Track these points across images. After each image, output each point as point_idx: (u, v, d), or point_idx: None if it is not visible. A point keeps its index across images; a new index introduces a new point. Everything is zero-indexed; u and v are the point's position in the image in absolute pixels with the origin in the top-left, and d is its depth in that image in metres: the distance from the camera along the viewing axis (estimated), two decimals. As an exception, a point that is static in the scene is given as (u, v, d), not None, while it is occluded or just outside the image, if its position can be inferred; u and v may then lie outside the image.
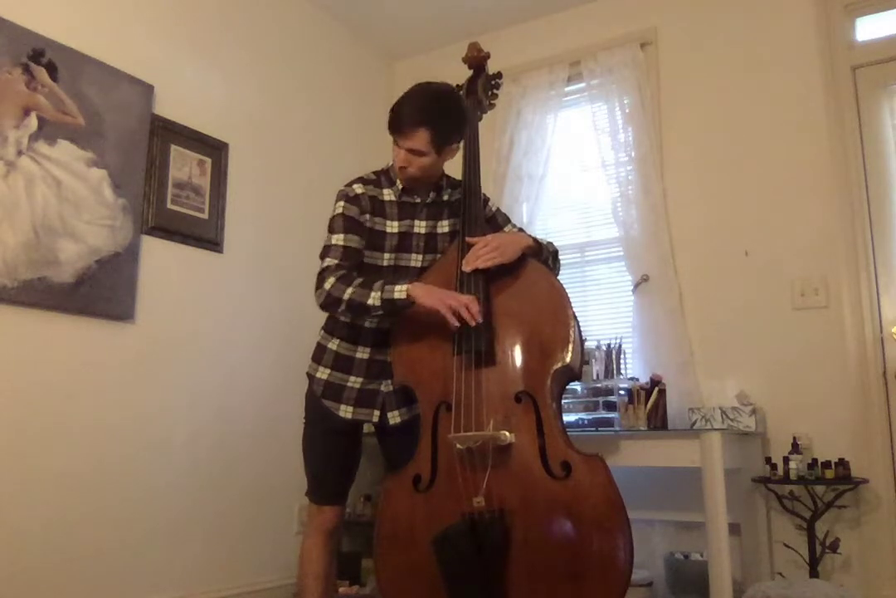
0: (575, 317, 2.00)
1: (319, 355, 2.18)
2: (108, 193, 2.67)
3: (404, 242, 2.14)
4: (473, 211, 2.16)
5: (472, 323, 1.93)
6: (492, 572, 1.81)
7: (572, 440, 1.93)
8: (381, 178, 2.16)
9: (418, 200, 2.16)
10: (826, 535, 2.71)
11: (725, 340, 3.09)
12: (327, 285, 1.99)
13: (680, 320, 3.15)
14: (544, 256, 2.18)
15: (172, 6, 3.02)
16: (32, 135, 2.46)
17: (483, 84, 2.39)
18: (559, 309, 2.00)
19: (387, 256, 2.13)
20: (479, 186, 2.23)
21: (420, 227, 2.16)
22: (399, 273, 2.12)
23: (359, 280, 1.99)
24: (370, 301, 1.94)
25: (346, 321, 2.13)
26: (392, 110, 2.06)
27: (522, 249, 2.08)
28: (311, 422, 2.20)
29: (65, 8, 2.64)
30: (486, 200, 2.29)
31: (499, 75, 2.47)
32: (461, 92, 2.32)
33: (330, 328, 2.18)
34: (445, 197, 2.20)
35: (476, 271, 2.04)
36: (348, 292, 1.96)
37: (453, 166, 2.23)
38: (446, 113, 2.07)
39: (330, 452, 2.17)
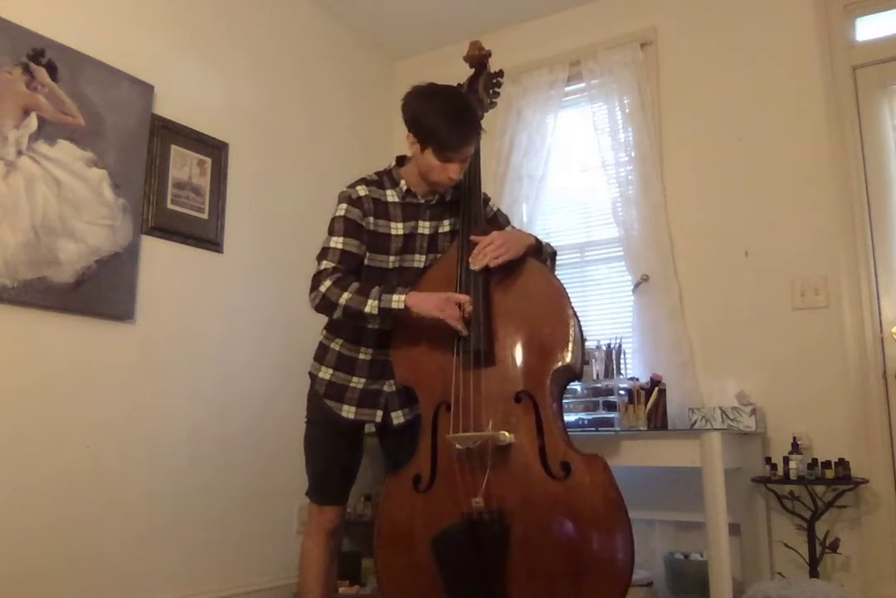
0: (575, 316, 2.00)
1: (322, 354, 2.18)
2: (108, 193, 2.67)
3: (409, 243, 2.13)
4: (474, 210, 2.16)
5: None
6: (491, 572, 1.81)
7: (573, 441, 1.93)
8: (384, 179, 2.14)
9: (422, 201, 2.15)
10: (826, 535, 2.71)
11: (725, 340, 3.09)
12: (323, 289, 1.98)
13: (680, 320, 3.15)
14: (543, 256, 2.18)
15: (172, 6, 3.02)
16: (32, 135, 2.46)
17: (484, 83, 2.38)
18: (559, 308, 2.00)
19: (392, 258, 2.12)
20: (480, 186, 2.23)
21: (424, 227, 2.15)
22: (404, 274, 2.12)
23: (355, 285, 1.98)
24: (367, 309, 1.95)
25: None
26: (451, 123, 1.98)
27: (526, 247, 2.08)
28: (313, 421, 2.19)
29: (65, 8, 2.64)
30: (487, 199, 2.29)
31: (500, 74, 2.45)
32: (462, 91, 2.32)
33: (332, 328, 2.17)
34: (447, 197, 2.20)
35: (476, 271, 2.03)
36: (344, 298, 1.96)
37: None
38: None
39: (332, 451, 2.17)
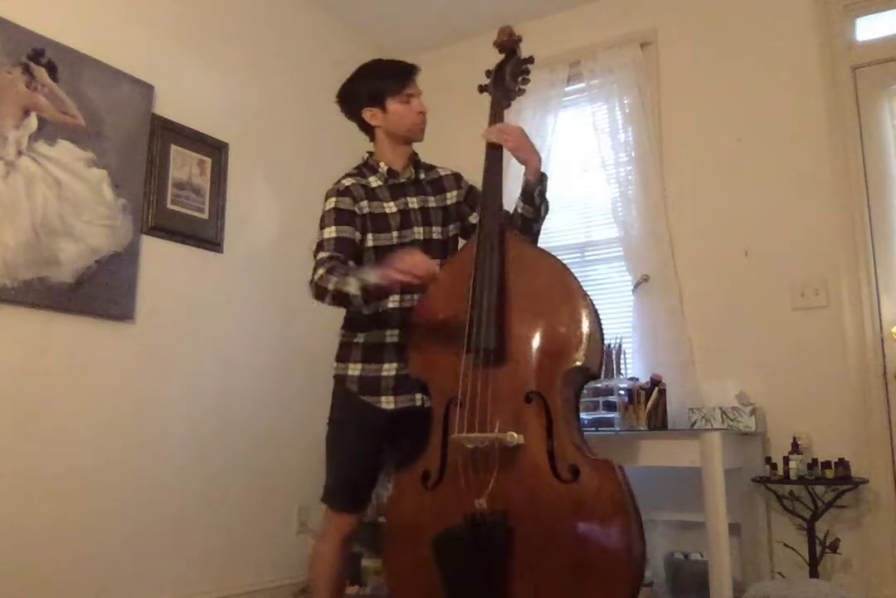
0: (592, 315, 1.95)
1: (346, 353, 2.16)
2: (108, 193, 2.67)
3: (405, 218, 2.19)
4: (490, 202, 2.14)
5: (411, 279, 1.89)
6: (492, 574, 1.80)
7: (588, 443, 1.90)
8: (364, 169, 2.24)
9: (403, 180, 2.22)
10: (826, 535, 2.71)
11: (725, 339, 3.09)
12: (316, 277, 2.02)
13: (680, 320, 3.15)
14: (543, 186, 2.25)
15: (172, 6, 3.02)
16: (32, 135, 2.46)
17: (512, 69, 2.31)
18: (574, 308, 1.95)
19: (395, 234, 2.16)
20: (500, 182, 2.21)
21: (413, 203, 2.21)
22: (406, 248, 2.11)
23: (343, 270, 2.00)
24: (352, 290, 1.95)
25: (366, 314, 2.13)
26: (391, 65, 2.27)
27: (538, 162, 2.19)
28: (340, 424, 2.15)
29: (65, 8, 2.64)
30: (459, 177, 2.31)
31: (530, 60, 2.35)
32: (489, 79, 2.31)
33: (350, 326, 2.17)
34: (422, 176, 2.27)
35: (492, 269, 2.00)
36: (332, 283, 1.98)
37: (467, 161, 2.27)
38: None
39: (359, 453, 2.12)
